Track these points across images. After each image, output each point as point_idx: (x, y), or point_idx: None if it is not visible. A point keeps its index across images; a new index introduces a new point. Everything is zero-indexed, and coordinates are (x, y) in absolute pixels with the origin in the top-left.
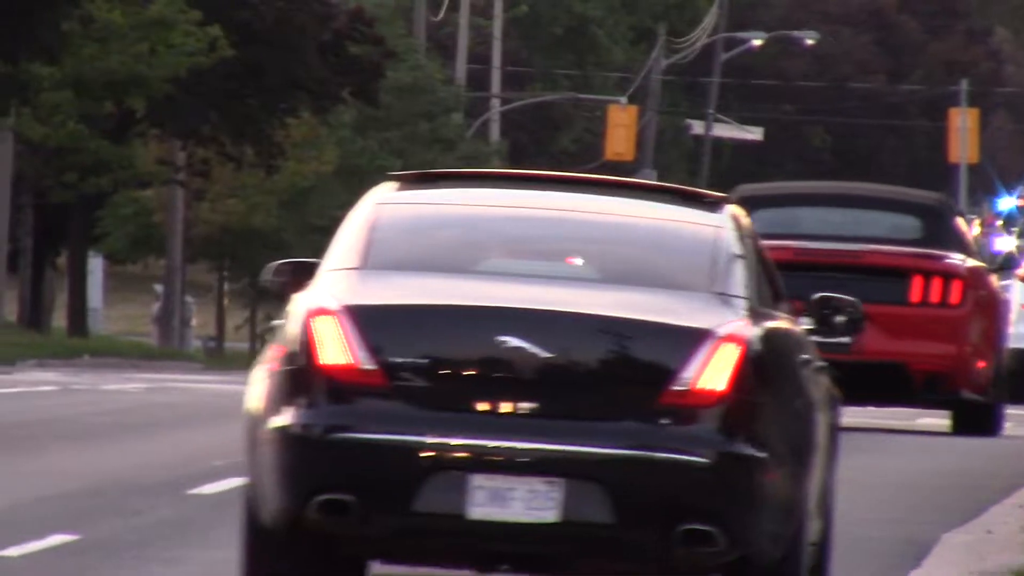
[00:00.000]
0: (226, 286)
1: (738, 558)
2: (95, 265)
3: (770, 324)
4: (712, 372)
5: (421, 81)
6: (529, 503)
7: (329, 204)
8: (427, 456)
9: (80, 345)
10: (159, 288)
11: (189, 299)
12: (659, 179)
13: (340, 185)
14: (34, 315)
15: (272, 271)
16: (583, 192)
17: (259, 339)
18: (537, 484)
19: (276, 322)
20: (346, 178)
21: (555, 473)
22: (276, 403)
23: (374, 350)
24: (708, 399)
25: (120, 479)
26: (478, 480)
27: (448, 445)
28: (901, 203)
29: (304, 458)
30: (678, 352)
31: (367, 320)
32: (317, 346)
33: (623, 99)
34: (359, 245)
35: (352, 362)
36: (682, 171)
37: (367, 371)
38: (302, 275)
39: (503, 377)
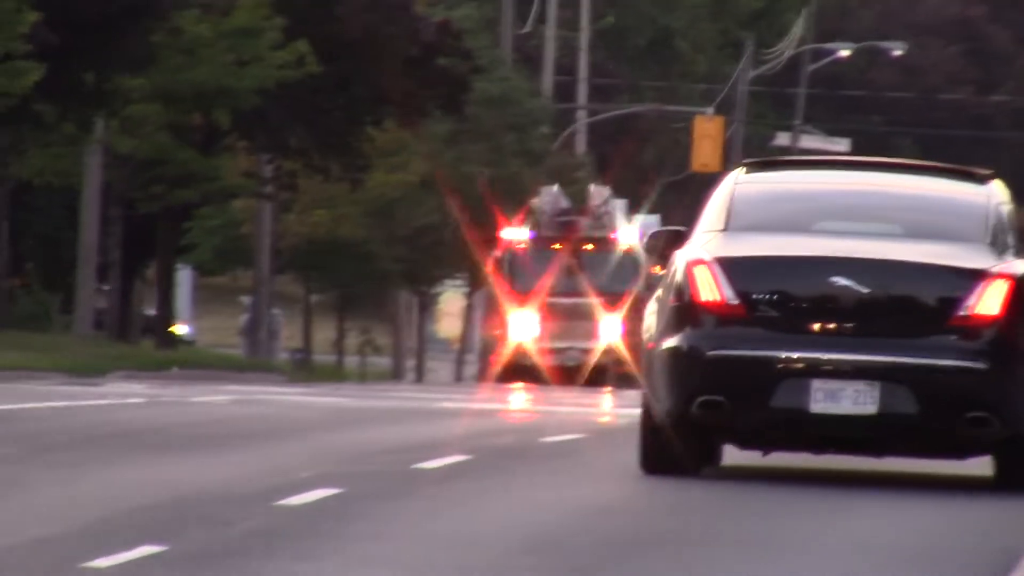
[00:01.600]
0: (314, 298)
1: (1008, 437)
2: (183, 277)
3: None
4: (987, 300)
5: (508, 93)
6: (855, 400)
7: (415, 214)
8: (779, 367)
9: (169, 357)
10: (247, 300)
11: (277, 311)
12: None
13: (426, 195)
14: (122, 326)
15: (651, 236)
16: (889, 172)
17: (346, 349)
18: (861, 386)
19: (659, 272)
20: (432, 189)
21: (874, 377)
22: (666, 330)
23: (738, 289)
24: (985, 321)
25: (208, 490)
26: (817, 384)
27: (794, 358)
28: None
29: (689, 370)
30: (962, 286)
31: (732, 267)
32: (696, 287)
33: (709, 110)
34: (723, 213)
35: (721, 299)
36: None
37: (733, 305)
38: (674, 240)
39: (833, 307)
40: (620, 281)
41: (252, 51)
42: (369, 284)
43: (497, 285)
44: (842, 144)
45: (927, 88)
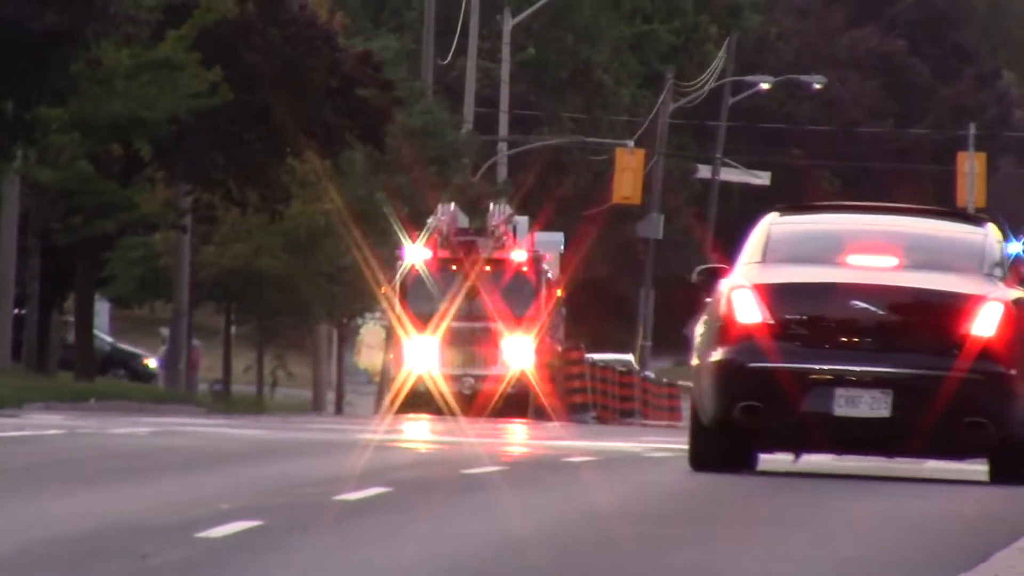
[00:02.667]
0: (233, 329)
1: (1001, 439)
2: (102, 308)
3: (1017, 293)
4: (984, 321)
5: (431, 125)
6: (871, 405)
7: (337, 250)
8: (808, 377)
9: (87, 389)
10: (165, 331)
11: (196, 343)
12: (665, 224)
13: (347, 230)
14: (40, 358)
15: (698, 272)
16: (900, 215)
17: (269, 381)
18: (876, 393)
19: (708, 299)
20: (353, 223)
21: (887, 386)
22: (712, 346)
23: (772, 311)
24: (982, 338)
25: (126, 522)
26: (840, 391)
27: (820, 370)
28: None
29: (731, 379)
30: (962, 309)
31: (767, 293)
32: (738, 310)
33: (630, 143)
34: (760, 248)
35: (759, 319)
36: (689, 215)
37: (768, 324)
38: (717, 273)
39: (853, 327)
40: (521, 303)
41: (172, 83)
42: (289, 316)
43: (391, 309)
44: (763, 177)
45: (847, 121)
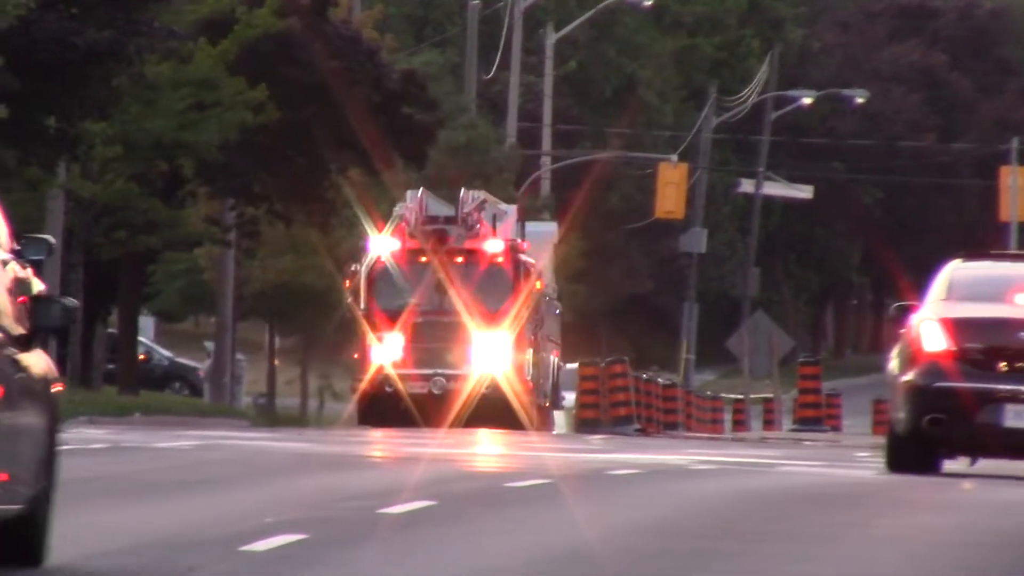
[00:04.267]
0: (277, 343)
1: None
2: (146, 323)
3: None
4: None
5: (475, 140)
6: None
7: None
8: (983, 394)
9: (131, 403)
10: (210, 346)
11: (240, 356)
12: (708, 238)
13: None
14: (85, 373)
15: (893, 308)
16: None
17: (316, 398)
18: None
19: (901, 331)
20: None
21: None
22: (905, 368)
23: (954, 340)
24: None
25: (170, 536)
26: (1009, 407)
27: (994, 389)
28: None
29: (920, 396)
30: None
31: (950, 325)
32: (924, 339)
33: (673, 157)
34: (944, 288)
35: (943, 347)
36: (732, 229)
37: (951, 351)
38: (908, 309)
39: (1020, 354)
40: (496, 297)
41: (212, 100)
42: (333, 330)
43: (355, 303)
44: (805, 191)
45: (889, 135)
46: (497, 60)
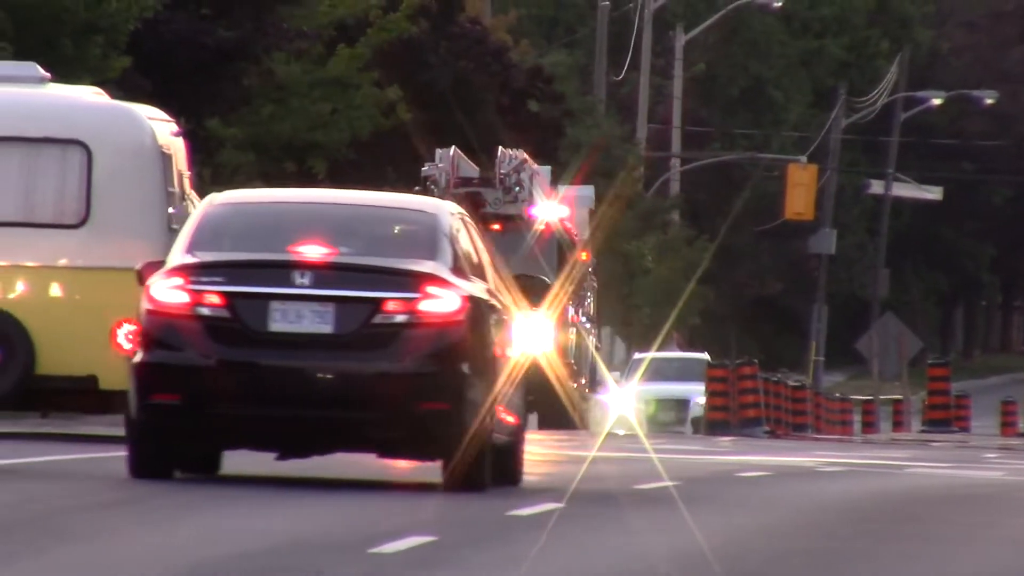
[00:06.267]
0: None
1: None
2: None
3: None
4: None
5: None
6: None
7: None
8: None
9: None
10: None
11: None
12: (837, 239)
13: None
14: None
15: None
16: None
17: None
18: None
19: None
20: None
21: None
22: None
23: None
24: None
25: (299, 538)
26: None
27: None
28: None
29: None
30: None
31: None
32: None
33: (803, 158)
34: None
35: None
36: (861, 230)
37: None
38: None
39: None
40: (537, 271)
41: (345, 102)
42: None
43: None
44: (935, 192)
45: (1018, 136)
46: (627, 62)
